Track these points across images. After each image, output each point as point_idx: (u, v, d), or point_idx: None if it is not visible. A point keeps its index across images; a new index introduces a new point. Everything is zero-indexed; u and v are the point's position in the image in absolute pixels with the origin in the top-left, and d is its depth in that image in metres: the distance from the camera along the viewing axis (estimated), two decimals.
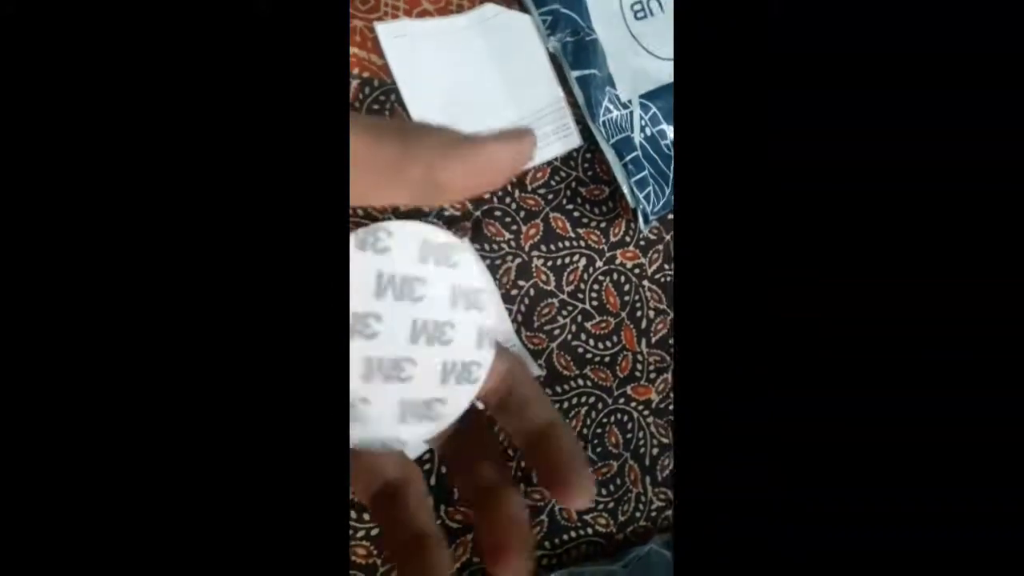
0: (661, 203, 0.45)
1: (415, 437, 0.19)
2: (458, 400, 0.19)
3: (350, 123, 0.17)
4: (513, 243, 0.42)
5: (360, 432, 0.18)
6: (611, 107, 0.43)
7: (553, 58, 0.43)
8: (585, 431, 0.42)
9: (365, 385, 0.18)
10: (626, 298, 0.45)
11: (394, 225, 0.19)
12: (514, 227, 0.42)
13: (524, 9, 0.42)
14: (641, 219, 0.43)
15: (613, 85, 0.43)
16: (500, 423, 0.21)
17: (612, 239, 0.45)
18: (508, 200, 0.42)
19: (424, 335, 0.19)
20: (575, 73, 0.42)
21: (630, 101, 0.45)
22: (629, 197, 0.43)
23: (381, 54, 0.39)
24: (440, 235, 0.20)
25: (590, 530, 0.41)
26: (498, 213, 0.41)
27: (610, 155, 0.42)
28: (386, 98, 0.39)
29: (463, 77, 0.40)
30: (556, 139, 0.43)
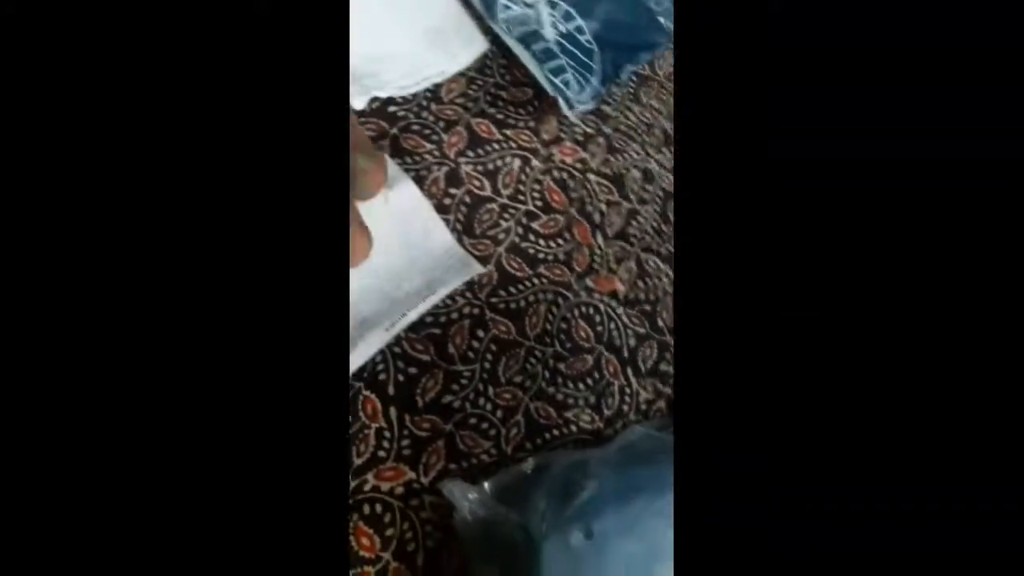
0: (587, 92, 0.44)
1: None
2: None
3: None
4: (437, 152, 0.41)
5: None
6: (510, 4, 0.42)
7: None
8: (549, 327, 0.40)
9: None
10: (572, 194, 0.44)
11: None
12: (435, 137, 0.41)
13: None
14: (564, 106, 0.42)
15: None
16: None
17: (545, 137, 0.44)
18: (425, 114, 0.42)
19: None
20: None
21: (535, 1, 0.44)
22: (547, 86, 0.42)
23: None
24: None
25: (574, 427, 0.39)
26: (415, 127, 0.41)
27: (518, 49, 0.42)
28: None
29: (352, 6, 0.41)
30: (462, 48, 0.43)
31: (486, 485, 0.33)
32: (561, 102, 0.42)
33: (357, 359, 0.34)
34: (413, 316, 0.35)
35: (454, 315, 0.38)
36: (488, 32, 0.43)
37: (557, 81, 0.41)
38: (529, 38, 0.42)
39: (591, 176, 0.45)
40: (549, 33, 0.44)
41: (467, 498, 0.32)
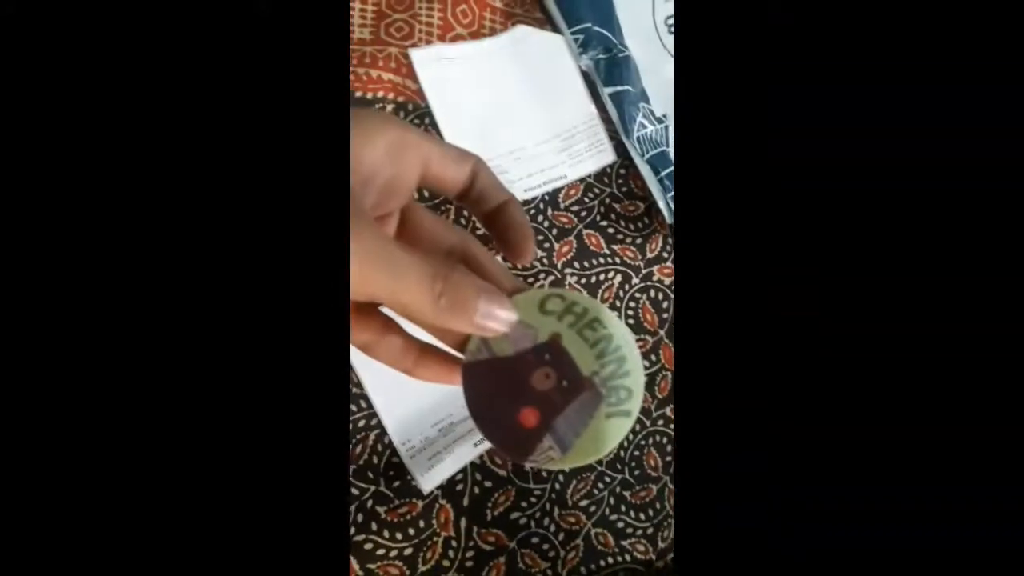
0: None
1: None
2: None
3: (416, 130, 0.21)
4: (546, 260, 0.41)
5: None
6: (645, 122, 0.42)
7: (586, 76, 0.43)
8: (622, 453, 0.41)
9: None
10: (664, 315, 0.44)
11: None
12: (547, 244, 0.41)
13: (555, 29, 0.43)
14: None
15: (647, 100, 0.43)
16: (467, 210, 0.26)
17: (648, 255, 0.44)
18: (540, 218, 0.42)
19: None
20: (608, 90, 0.41)
21: (665, 116, 0.44)
22: (665, 212, 0.42)
23: (416, 79, 0.39)
24: None
25: (628, 556, 0.40)
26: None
27: (644, 170, 0.42)
28: (420, 121, 0.40)
29: (496, 98, 0.40)
30: (589, 156, 0.42)
31: None
32: None
33: (444, 471, 0.34)
34: None
35: None
36: (617, 144, 0.43)
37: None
38: (657, 160, 0.41)
39: None
40: (672, 152, 0.43)
41: None
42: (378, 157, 0.21)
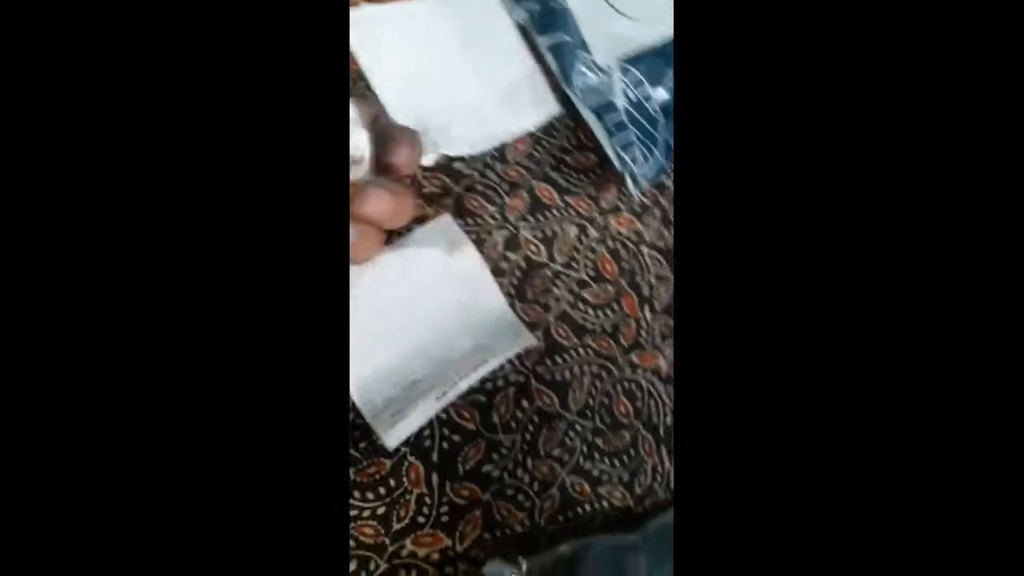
0: (650, 167, 0.44)
1: None
2: None
3: None
4: (499, 215, 0.41)
5: None
6: (587, 71, 0.42)
7: (522, 29, 0.43)
8: (591, 401, 0.40)
9: None
10: (624, 265, 0.44)
11: None
12: (498, 200, 0.41)
13: None
14: (630, 183, 0.42)
15: (587, 51, 0.43)
16: None
17: (604, 206, 0.44)
18: (490, 173, 0.42)
19: None
20: (544, 40, 0.41)
21: (608, 67, 0.44)
22: (616, 161, 0.42)
23: None
24: None
25: (605, 503, 0.40)
26: (479, 187, 0.41)
27: (591, 119, 0.42)
28: (353, 85, 0.40)
29: (431, 57, 0.40)
30: (533, 108, 0.42)
31: (523, 566, 0.33)
32: (627, 178, 0.42)
33: (408, 427, 0.34)
34: (464, 386, 0.36)
35: (500, 383, 0.39)
36: (561, 96, 0.43)
37: (626, 157, 0.41)
38: (602, 109, 0.42)
39: (644, 248, 0.45)
40: (620, 102, 0.44)
41: None
42: None
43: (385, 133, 0.31)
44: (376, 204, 0.30)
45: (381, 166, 0.31)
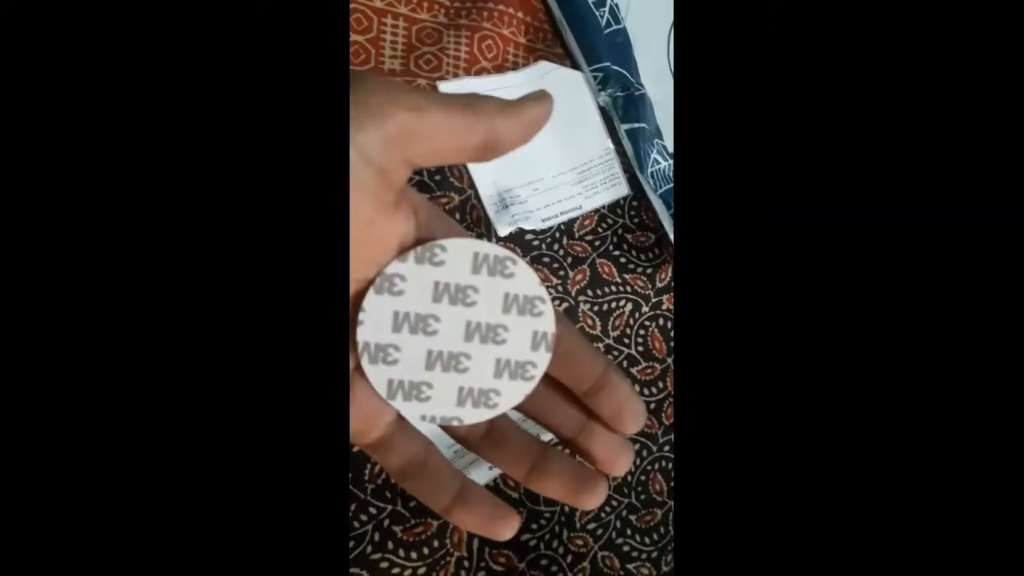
0: None
1: (471, 419, 0.22)
2: (512, 394, 0.22)
3: (427, 96, 0.19)
4: (560, 288, 0.43)
5: (421, 410, 0.22)
6: (659, 159, 0.44)
7: (603, 112, 0.44)
8: (629, 477, 0.42)
9: (426, 373, 0.21)
10: (672, 344, 0.45)
11: (447, 242, 0.21)
12: (561, 272, 0.43)
13: (576, 66, 0.44)
14: None
15: (661, 137, 0.45)
16: (555, 375, 0.22)
17: (658, 284, 0.45)
18: (556, 246, 0.43)
19: (478, 334, 0.21)
20: (624, 126, 0.43)
21: None
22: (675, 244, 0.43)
23: None
24: (492, 248, 0.21)
25: None
26: (546, 259, 0.43)
27: (657, 204, 0.43)
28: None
29: None
30: (604, 188, 0.44)
31: None
32: None
33: None
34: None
35: None
36: (633, 180, 0.45)
37: None
38: (669, 195, 0.43)
39: None
40: None
41: None
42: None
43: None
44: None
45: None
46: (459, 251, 0.21)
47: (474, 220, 0.42)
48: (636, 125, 0.43)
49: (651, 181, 0.43)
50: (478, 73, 0.42)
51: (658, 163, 0.43)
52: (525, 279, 0.21)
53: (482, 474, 0.35)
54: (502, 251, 0.21)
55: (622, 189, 0.44)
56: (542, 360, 0.22)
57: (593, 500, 0.22)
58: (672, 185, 0.44)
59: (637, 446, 0.42)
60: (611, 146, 0.44)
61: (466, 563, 0.36)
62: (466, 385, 0.21)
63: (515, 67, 0.44)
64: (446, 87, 0.40)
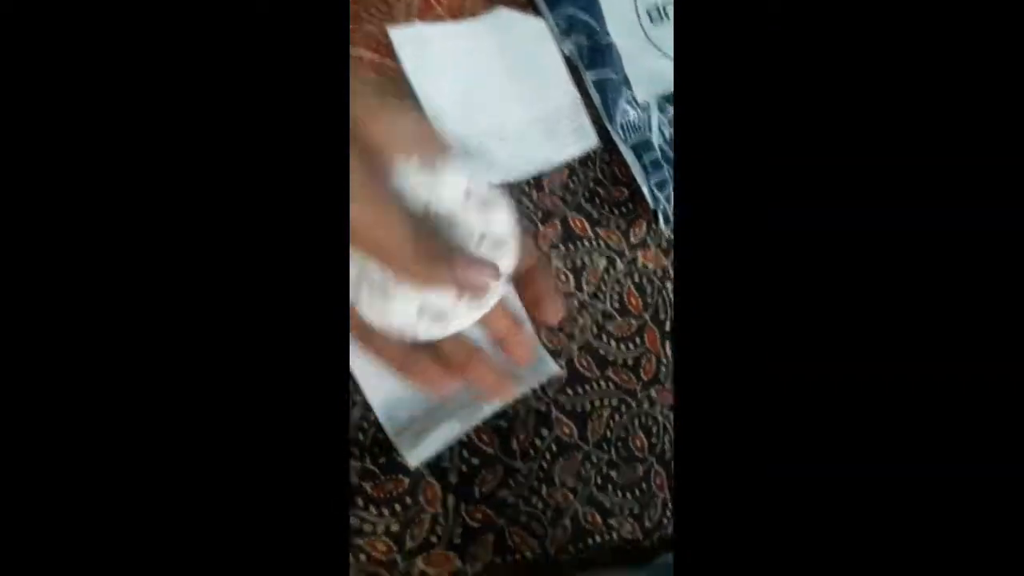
0: None
1: (428, 335, 0.25)
2: (468, 316, 0.25)
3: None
4: (530, 243, 0.42)
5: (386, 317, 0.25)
6: (628, 108, 0.43)
7: (568, 61, 0.43)
8: (609, 433, 0.41)
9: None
10: (649, 300, 0.44)
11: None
12: (531, 227, 0.42)
13: (537, 13, 0.43)
14: (662, 220, 0.43)
15: (630, 87, 0.44)
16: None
17: (633, 240, 0.45)
18: (525, 201, 0.42)
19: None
20: (591, 75, 0.42)
21: (648, 103, 0.45)
22: (649, 198, 0.43)
23: (395, 58, 0.40)
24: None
25: (615, 535, 0.40)
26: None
27: (628, 156, 0.42)
28: (400, 100, 0.40)
29: (478, 79, 0.41)
30: (573, 140, 0.43)
31: None
32: (660, 216, 0.42)
33: (430, 447, 0.34)
34: (488, 411, 0.36)
35: (521, 410, 0.39)
36: (601, 130, 0.44)
37: (659, 195, 0.42)
38: (641, 147, 0.42)
39: (669, 284, 0.45)
40: (656, 140, 0.44)
41: None
42: None
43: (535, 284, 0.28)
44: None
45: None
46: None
47: None
48: (604, 74, 0.42)
49: (621, 132, 0.42)
50: (433, 19, 0.41)
51: (627, 113, 0.43)
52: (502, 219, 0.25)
53: (453, 428, 0.35)
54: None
55: (591, 140, 0.43)
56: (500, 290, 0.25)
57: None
58: (643, 136, 0.43)
59: (615, 402, 0.42)
60: (578, 96, 0.43)
61: (441, 520, 0.36)
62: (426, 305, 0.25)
63: (472, 15, 0.43)
64: (397, 34, 0.39)
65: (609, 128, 0.42)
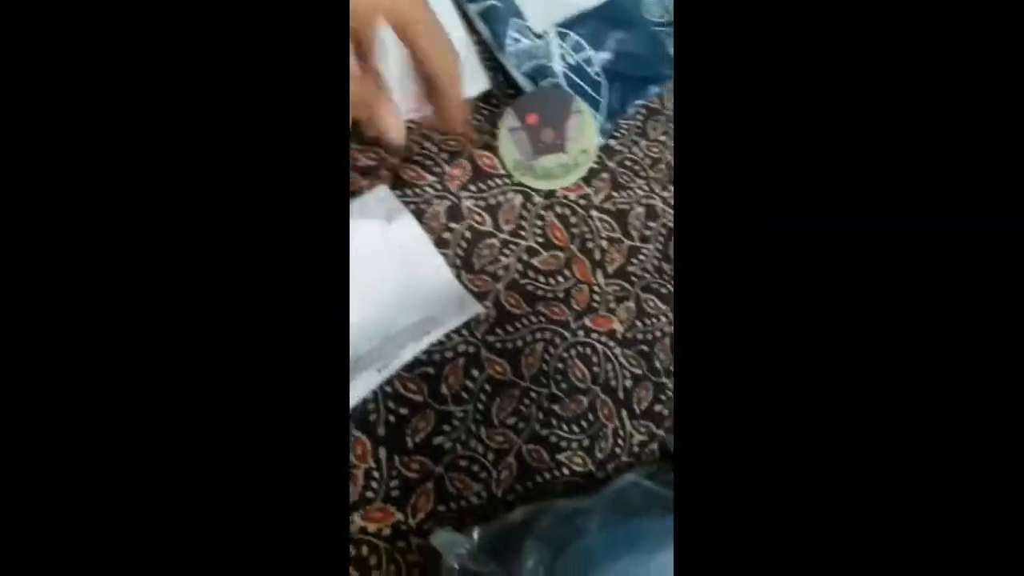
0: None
1: None
2: None
3: None
4: (438, 185, 0.41)
5: None
6: (520, 36, 0.42)
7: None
8: (545, 367, 0.40)
9: None
10: (574, 230, 0.43)
11: None
12: (437, 170, 0.41)
13: None
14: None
15: (521, 16, 0.43)
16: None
17: None
18: (427, 144, 0.41)
19: None
20: (474, 7, 0.41)
21: (545, 32, 0.44)
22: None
23: None
24: None
25: (565, 470, 0.39)
26: (417, 157, 0.41)
27: (523, 82, 0.41)
28: None
29: None
30: (469, 80, 0.42)
31: (475, 535, 0.33)
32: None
33: (351, 399, 0.33)
34: (407, 356, 0.35)
35: (449, 354, 0.38)
36: (496, 64, 0.42)
37: None
38: (537, 73, 0.41)
39: (593, 212, 0.44)
40: (558, 66, 0.43)
41: (455, 548, 0.32)
42: None
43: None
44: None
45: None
46: None
47: None
48: (487, 4, 0.41)
49: (515, 59, 0.41)
50: None
51: (519, 41, 0.41)
52: None
53: (371, 377, 0.34)
54: None
55: (483, 83, 0.42)
56: None
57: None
58: (539, 62, 0.42)
59: (548, 335, 0.41)
60: (464, 34, 0.42)
61: (375, 474, 0.35)
62: None
63: None
64: None
65: (499, 57, 0.41)
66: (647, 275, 0.44)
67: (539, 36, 0.43)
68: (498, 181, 0.42)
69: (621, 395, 0.41)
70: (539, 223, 0.43)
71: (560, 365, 0.40)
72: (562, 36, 0.44)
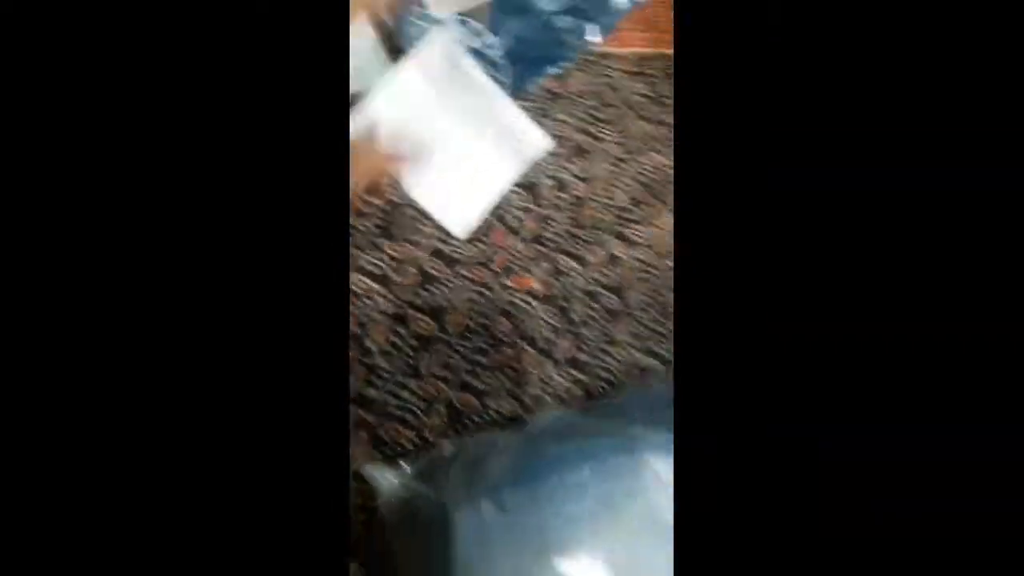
0: None
1: None
2: None
3: None
4: None
5: None
6: (420, 23, 0.46)
7: None
8: (470, 323, 0.43)
9: None
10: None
11: None
12: None
13: None
14: None
15: (420, 4, 0.46)
16: None
17: None
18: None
19: None
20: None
21: (445, 19, 0.48)
22: None
23: None
24: None
25: (495, 414, 0.41)
26: None
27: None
28: None
29: None
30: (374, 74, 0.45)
31: (407, 467, 0.35)
32: None
33: None
34: None
35: (374, 315, 0.40)
36: (396, 51, 0.46)
37: None
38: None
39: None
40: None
41: (388, 480, 0.34)
42: None
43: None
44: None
45: None
46: None
47: None
48: None
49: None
50: None
51: (419, 26, 0.45)
52: None
53: None
54: None
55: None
56: None
57: None
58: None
59: (471, 294, 0.43)
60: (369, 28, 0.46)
61: None
62: None
63: None
64: None
65: (401, 44, 0.45)
66: (560, 239, 0.48)
67: (439, 22, 0.47)
68: None
69: (543, 345, 0.44)
70: None
71: (484, 321, 0.43)
72: (462, 23, 0.48)
